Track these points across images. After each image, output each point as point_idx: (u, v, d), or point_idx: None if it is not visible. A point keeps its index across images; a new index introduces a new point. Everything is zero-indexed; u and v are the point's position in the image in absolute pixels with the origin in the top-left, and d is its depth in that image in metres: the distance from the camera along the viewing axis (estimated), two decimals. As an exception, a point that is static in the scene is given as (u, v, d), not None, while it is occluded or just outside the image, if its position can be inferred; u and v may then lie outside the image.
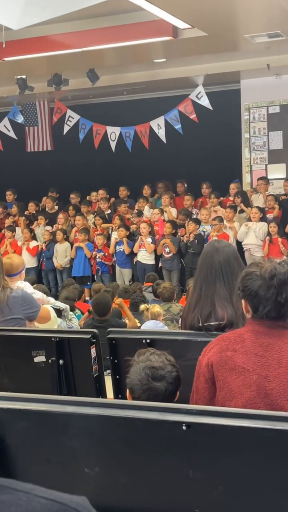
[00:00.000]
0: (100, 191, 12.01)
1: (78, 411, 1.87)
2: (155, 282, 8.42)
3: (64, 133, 11.69)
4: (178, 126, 10.90)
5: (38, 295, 4.69)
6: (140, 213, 11.19)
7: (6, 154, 12.45)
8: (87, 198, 12.32)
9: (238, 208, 10.61)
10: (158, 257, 10.67)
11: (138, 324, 6.66)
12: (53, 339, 3.28)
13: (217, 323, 2.96)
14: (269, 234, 9.99)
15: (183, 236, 10.43)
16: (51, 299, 5.67)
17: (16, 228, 11.84)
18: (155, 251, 10.61)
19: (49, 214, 11.99)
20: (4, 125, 12.11)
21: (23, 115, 12.44)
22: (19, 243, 11.52)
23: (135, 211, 11.32)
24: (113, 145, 11.46)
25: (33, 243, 11.44)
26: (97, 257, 10.90)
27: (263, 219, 10.21)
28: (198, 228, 10.36)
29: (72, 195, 12.38)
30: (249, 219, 10.26)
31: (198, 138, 11.40)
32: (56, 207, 12.26)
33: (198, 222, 10.50)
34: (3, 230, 11.81)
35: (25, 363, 3.39)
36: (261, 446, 1.72)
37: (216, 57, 9.88)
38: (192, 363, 2.54)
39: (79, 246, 10.99)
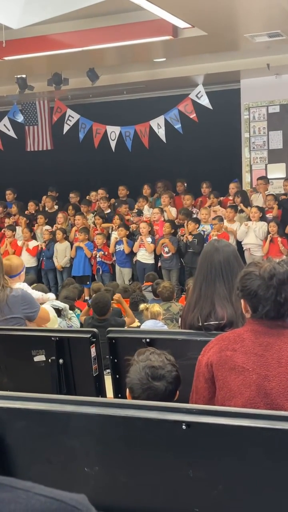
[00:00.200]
0: (100, 191, 12.01)
1: (78, 411, 1.87)
2: (154, 282, 8.42)
3: (64, 133, 11.69)
4: (178, 126, 10.90)
5: (37, 294, 4.69)
6: (140, 213, 11.19)
7: (6, 153, 12.46)
8: (87, 197, 12.32)
9: (238, 208, 10.61)
10: (157, 257, 10.68)
11: (138, 324, 6.66)
12: (53, 339, 3.28)
13: (217, 322, 2.96)
14: (269, 233, 9.99)
15: (183, 235, 10.43)
16: (51, 295, 5.66)
17: (17, 227, 11.84)
18: (154, 250, 10.61)
19: (48, 214, 11.99)
20: (4, 125, 12.11)
21: (23, 114, 12.44)
22: (19, 243, 11.52)
23: (135, 210, 11.32)
24: (113, 144, 11.46)
25: (33, 243, 11.45)
26: (97, 256, 10.90)
27: (262, 218, 10.21)
28: (197, 228, 10.36)
29: (71, 195, 12.38)
30: (249, 219, 10.27)
31: (198, 138, 11.40)
32: (56, 207, 12.26)
33: (197, 221, 10.50)
34: (3, 229, 11.81)
35: (25, 362, 3.39)
36: (261, 446, 1.72)
37: (216, 56, 9.88)
38: (192, 363, 2.54)
39: (79, 246, 10.99)
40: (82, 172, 12.87)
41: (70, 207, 11.92)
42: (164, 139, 11.08)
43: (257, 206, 10.33)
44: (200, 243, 9.95)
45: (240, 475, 1.74)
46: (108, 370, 3.24)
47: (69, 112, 11.70)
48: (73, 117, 11.66)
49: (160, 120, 11.06)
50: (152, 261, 10.60)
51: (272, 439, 1.71)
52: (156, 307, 6.38)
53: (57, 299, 7.32)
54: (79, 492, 0.95)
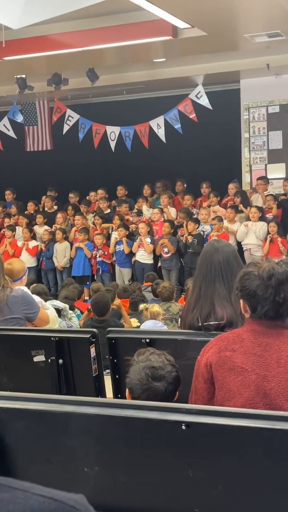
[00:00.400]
0: (99, 191, 12.01)
1: (78, 411, 1.87)
2: (154, 282, 8.42)
3: (64, 133, 11.69)
4: (177, 126, 10.90)
5: (37, 299, 4.68)
6: (139, 213, 11.19)
7: (6, 153, 12.45)
8: (87, 198, 12.32)
9: (239, 208, 10.61)
10: (157, 257, 10.68)
11: (138, 324, 6.66)
12: (52, 339, 3.28)
13: (216, 322, 2.96)
14: (268, 233, 10.00)
15: (182, 236, 10.44)
16: (50, 307, 5.64)
17: (16, 227, 11.84)
18: (154, 251, 10.61)
19: (47, 214, 12.00)
20: (4, 125, 12.11)
21: (23, 114, 12.44)
22: (19, 243, 11.51)
23: (135, 210, 11.32)
24: (112, 144, 11.46)
25: (32, 243, 11.44)
26: (97, 256, 10.91)
27: (262, 218, 10.22)
28: (197, 228, 10.36)
29: (71, 195, 12.38)
30: (248, 219, 10.27)
31: (197, 138, 11.40)
32: (55, 207, 12.27)
33: (197, 222, 10.50)
34: (3, 229, 11.80)
35: (24, 362, 3.39)
36: (260, 446, 1.72)
37: (215, 56, 9.88)
38: (192, 363, 2.54)
39: (79, 247, 11.00)
40: (81, 172, 12.87)
41: (70, 207, 11.92)
42: (163, 139, 11.08)
43: (256, 206, 10.33)
44: (200, 243, 9.95)
45: (240, 475, 1.74)
46: (108, 370, 3.24)
47: (69, 112, 11.70)
48: (72, 117, 11.66)
49: (160, 120, 11.06)
50: (151, 261, 10.60)
51: (271, 439, 1.71)
52: (156, 307, 6.38)
53: (56, 299, 7.33)
54: (79, 492, 0.96)
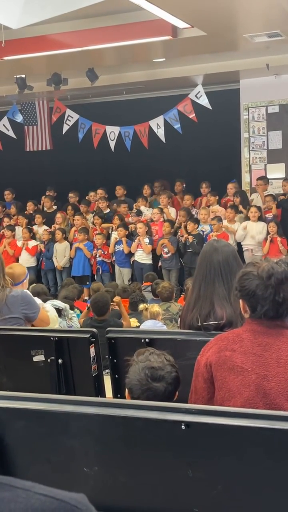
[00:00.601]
0: (99, 191, 12.01)
1: (77, 411, 1.87)
2: (154, 282, 8.42)
3: (63, 133, 11.69)
4: (177, 126, 10.90)
5: (37, 301, 4.68)
6: (139, 213, 11.19)
7: (5, 153, 12.45)
8: (86, 197, 12.33)
9: (239, 208, 10.62)
10: (156, 257, 10.68)
11: (137, 323, 6.66)
12: (52, 339, 3.28)
13: (216, 322, 2.96)
14: (268, 233, 10.00)
15: (182, 236, 10.44)
16: (49, 309, 5.64)
17: (16, 227, 11.84)
18: (153, 250, 10.61)
19: (46, 214, 12.00)
20: (3, 125, 12.11)
21: (22, 114, 12.44)
22: (19, 243, 11.51)
23: (134, 210, 11.32)
24: (112, 144, 11.46)
25: (32, 243, 11.44)
26: (97, 256, 10.91)
27: (261, 218, 10.23)
28: (197, 228, 10.36)
29: (70, 194, 12.38)
30: (246, 218, 10.29)
31: (197, 138, 11.41)
32: (55, 207, 12.27)
33: (197, 221, 10.50)
34: (3, 230, 11.80)
35: (24, 362, 3.39)
36: (260, 446, 1.72)
37: (215, 56, 9.88)
38: (191, 363, 2.54)
39: (78, 247, 11.00)
40: (81, 172, 12.87)
41: (70, 207, 11.92)
42: (163, 139, 11.08)
43: (256, 206, 10.34)
44: (200, 243, 9.95)
45: (240, 475, 1.74)
46: (108, 370, 3.24)
47: (69, 112, 11.70)
48: (72, 117, 11.66)
49: (160, 120, 11.06)
50: (149, 261, 10.61)
51: (271, 439, 1.71)
52: (156, 308, 6.39)
53: (56, 299, 7.33)
54: (79, 492, 0.96)
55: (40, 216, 11.80)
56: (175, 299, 7.99)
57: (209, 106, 10.59)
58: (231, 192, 11.02)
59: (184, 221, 10.58)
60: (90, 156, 12.25)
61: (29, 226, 11.67)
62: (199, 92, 10.67)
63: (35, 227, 11.74)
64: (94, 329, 3.34)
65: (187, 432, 1.75)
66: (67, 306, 6.71)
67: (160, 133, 11.07)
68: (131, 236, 10.84)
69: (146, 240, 10.51)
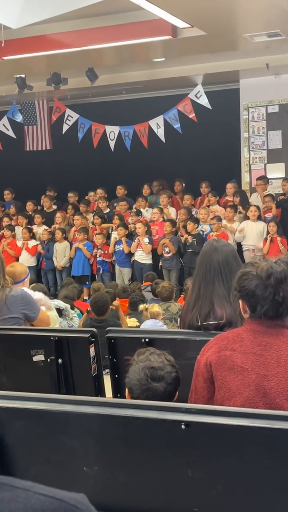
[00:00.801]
0: (98, 190, 12.02)
1: (77, 410, 1.87)
2: (153, 282, 8.42)
3: (63, 132, 11.69)
4: (177, 126, 10.90)
5: (38, 295, 4.68)
6: (138, 213, 11.19)
7: (5, 153, 12.45)
8: (86, 197, 12.32)
9: (238, 208, 10.62)
10: (156, 257, 10.68)
11: (137, 323, 6.66)
12: (52, 338, 3.28)
13: (216, 322, 2.96)
14: (268, 233, 10.01)
15: (182, 236, 10.44)
16: (51, 303, 5.65)
17: (16, 227, 11.84)
18: (154, 250, 10.61)
19: (46, 213, 12.00)
20: (3, 124, 12.11)
21: (22, 114, 12.43)
22: (19, 243, 11.51)
23: (134, 210, 11.32)
24: (112, 144, 11.46)
25: (32, 242, 11.45)
26: (97, 255, 10.91)
27: (260, 218, 10.24)
28: (196, 228, 10.37)
29: (70, 194, 12.38)
30: (245, 218, 10.30)
31: (197, 138, 11.40)
32: (54, 207, 12.26)
33: (196, 221, 10.50)
34: (3, 230, 11.79)
35: (24, 362, 3.39)
36: (260, 445, 1.72)
37: (215, 56, 9.87)
38: (191, 363, 2.54)
39: (78, 247, 11.00)
40: (81, 172, 12.86)
41: (70, 207, 11.92)
42: (163, 139, 11.07)
43: (255, 205, 10.34)
44: (199, 243, 9.96)
45: (239, 474, 1.74)
46: (107, 370, 3.24)
47: (68, 111, 11.70)
48: (72, 117, 11.66)
49: (159, 120, 11.06)
50: (149, 261, 10.61)
51: (271, 439, 1.71)
52: (156, 308, 6.39)
53: (56, 298, 7.33)
54: (78, 491, 0.96)
55: (40, 216, 11.79)
56: (175, 299, 7.99)
57: (209, 106, 10.59)
58: (230, 192, 11.02)
59: (185, 220, 10.58)
60: (90, 156, 12.25)
61: (28, 226, 11.67)
62: (199, 92, 10.67)
63: (34, 227, 11.74)
64: (94, 329, 3.34)
65: (187, 431, 1.75)
66: (68, 306, 6.72)
67: (160, 133, 11.07)
68: (131, 236, 10.84)
69: (146, 240, 10.51)
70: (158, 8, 6.91)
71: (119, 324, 6.27)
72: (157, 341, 3.02)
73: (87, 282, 10.64)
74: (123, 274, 10.77)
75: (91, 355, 3.18)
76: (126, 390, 2.33)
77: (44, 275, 11.45)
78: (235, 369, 2.35)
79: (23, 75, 10.52)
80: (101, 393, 3.23)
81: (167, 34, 8.19)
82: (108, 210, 11.68)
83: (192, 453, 1.78)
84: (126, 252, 10.69)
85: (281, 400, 2.28)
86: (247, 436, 1.73)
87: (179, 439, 1.77)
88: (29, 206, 12.35)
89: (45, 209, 12.23)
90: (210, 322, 2.97)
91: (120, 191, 11.89)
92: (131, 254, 10.75)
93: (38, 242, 11.48)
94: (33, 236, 11.58)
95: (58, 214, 11.71)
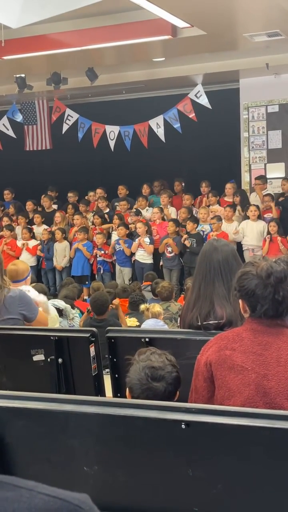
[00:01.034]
0: (98, 190, 12.02)
1: (77, 410, 1.87)
2: (153, 281, 8.42)
3: (63, 132, 11.69)
4: (177, 125, 10.90)
5: (43, 298, 4.69)
6: (138, 212, 11.19)
7: (5, 153, 12.45)
8: (86, 197, 12.32)
9: (237, 207, 10.62)
10: (156, 256, 10.67)
11: (137, 323, 6.67)
12: (52, 338, 3.27)
13: (216, 322, 2.96)
14: (269, 233, 10.01)
15: (181, 236, 10.44)
16: (51, 308, 5.64)
17: (16, 227, 11.84)
18: (155, 249, 10.61)
19: (45, 213, 11.99)
20: (3, 124, 12.11)
21: (22, 114, 12.43)
22: (19, 243, 11.50)
23: (133, 210, 11.32)
24: (112, 144, 11.46)
25: (32, 242, 11.44)
26: (98, 256, 10.91)
27: (260, 217, 10.24)
28: (196, 227, 10.37)
29: (69, 194, 12.38)
30: (245, 217, 10.30)
31: (197, 137, 11.40)
32: (55, 206, 12.26)
33: (196, 221, 10.50)
34: (3, 230, 11.79)
35: (24, 361, 3.39)
36: (260, 445, 1.72)
37: (215, 56, 9.87)
38: (191, 362, 2.54)
39: (78, 248, 11.00)
40: (81, 172, 12.86)
41: (69, 207, 11.92)
42: (163, 138, 11.08)
43: (255, 205, 10.35)
44: (199, 243, 9.95)
45: (240, 474, 1.74)
46: (107, 370, 3.24)
47: (68, 111, 11.70)
48: (72, 117, 11.66)
49: (159, 119, 11.06)
50: (150, 261, 10.60)
51: (271, 438, 1.71)
52: (157, 307, 6.40)
53: (56, 298, 7.33)
54: (78, 491, 0.96)
55: (39, 216, 11.79)
56: (175, 298, 7.99)
57: (208, 106, 10.58)
58: (229, 192, 11.03)
59: (184, 220, 10.58)
60: (89, 156, 12.25)
61: (28, 226, 11.67)
62: (198, 91, 10.67)
63: (34, 227, 11.74)
64: (94, 329, 3.34)
65: (187, 431, 1.75)
66: (69, 306, 6.72)
67: (160, 132, 11.07)
68: (131, 236, 10.84)
69: (147, 240, 10.50)
70: (158, 8, 6.91)
71: (119, 323, 6.27)
72: (157, 340, 3.02)
73: (87, 282, 10.64)
74: (123, 274, 10.77)
75: (91, 355, 3.18)
76: (127, 389, 2.33)
77: (44, 275, 11.45)
78: (235, 368, 2.35)
79: (23, 75, 10.52)
80: (101, 392, 3.23)
81: (167, 34, 8.19)
82: (108, 210, 11.68)
83: (192, 452, 1.78)
84: (128, 254, 10.69)
85: (281, 399, 2.27)
86: (247, 435, 1.73)
87: (179, 438, 1.77)
88: (29, 206, 12.35)
89: (45, 209, 12.23)
90: (210, 322, 2.97)
91: (122, 191, 11.89)
92: (131, 254, 10.75)
93: (38, 242, 11.48)
94: (33, 236, 11.58)
95: (57, 214, 11.71)
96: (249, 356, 2.35)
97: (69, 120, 11.66)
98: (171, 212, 11.13)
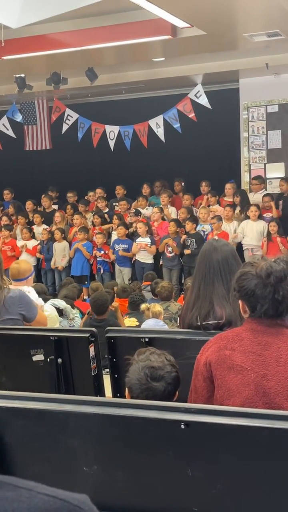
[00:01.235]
0: (98, 190, 12.02)
1: (77, 410, 1.87)
2: (153, 281, 8.42)
3: (63, 132, 11.69)
4: (177, 125, 10.90)
5: (40, 302, 4.69)
6: (137, 212, 11.18)
7: (5, 152, 12.45)
8: (85, 197, 12.32)
9: (237, 207, 10.62)
10: (157, 256, 10.67)
11: (137, 323, 6.67)
12: (51, 338, 3.28)
13: (215, 322, 2.96)
14: (269, 233, 10.01)
15: (181, 237, 10.44)
16: (50, 308, 5.64)
17: (16, 227, 11.84)
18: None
19: (45, 213, 12.00)
20: (3, 124, 12.11)
21: (22, 113, 12.43)
22: (19, 243, 11.50)
23: (133, 210, 11.32)
24: (111, 144, 11.46)
25: (32, 243, 11.44)
26: (97, 256, 10.91)
27: (260, 217, 10.25)
28: (195, 227, 10.37)
29: (69, 194, 12.38)
30: (245, 217, 10.30)
31: (197, 137, 11.40)
32: (55, 206, 12.26)
33: (195, 221, 10.50)
34: (2, 230, 11.79)
35: (23, 361, 3.39)
36: (260, 445, 1.72)
37: (215, 56, 9.87)
38: (191, 362, 2.54)
39: (77, 248, 11.00)
40: (81, 172, 12.86)
41: (69, 207, 11.92)
42: (163, 138, 11.08)
43: (255, 205, 10.35)
44: (199, 243, 9.95)
45: (239, 474, 1.74)
46: (107, 370, 3.24)
47: (68, 111, 11.70)
48: (72, 117, 11.66)
49: (159, 119, 11.06)
50: (151, 261, 10.60)
51: (271, 438, 1.71)
52: (158, 307, 6.40)
53: (56, 298, 7.33)
54: (78, 491, 0.96)
55: (39, 216, 11.79)
56: (175, 298, 7.99)
57: (208, 106, 10.58)
58: (229, 192, 11.03)
59: (184, 218, 10.58)
60: (89, 156, 12.25)
61: (28, 226, 11.66)
62: (198, 91, 10.67)
63: (34, 227, 11.74)
64: (93, 329, 3.34)
65: (186, 431, 1.75)
66: (69, 306, 6.72)
67: (160, 132, 11.07)
68: (131, 236, 10.84)
69: (148, 240, 10.49)
70: (158, 8, 6.91)
71: (118, 324, 6.28)
72: (156, 340, 3.02)
73: (86, 282, 10.64)
74: (123, 274, 10.77)
75: (91, 355, 3.18)
76: (126, 389, 2.33)
77: (44, 274, 11.45)
78: (235, 368, 2.35)
79: (22, 75, 10.52)
80: (101, 393, 3.23)
81: (167, 34, 8.19)
82: (107, 209, 11.68)
83: (192, 452, 1.78)
84: (130, 256, 10.69)
85: (281, 399, 2.27)
86: (247, 435, 1.73)
87: (178, 438, 1.77)
88: (29, 205, 12.35)
89: (45, 209, 12.23)
90: (210, 322, 2.97)
91: (120, 191, 11.89)
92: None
93: (38, 242, 11.48)
94: (33, 236, 11.58)
95: (57, 214, 11.71)
96: (249, 356, 2.35)
97: (69, 120, 11.66)
98: (171, 212, 11.12)
